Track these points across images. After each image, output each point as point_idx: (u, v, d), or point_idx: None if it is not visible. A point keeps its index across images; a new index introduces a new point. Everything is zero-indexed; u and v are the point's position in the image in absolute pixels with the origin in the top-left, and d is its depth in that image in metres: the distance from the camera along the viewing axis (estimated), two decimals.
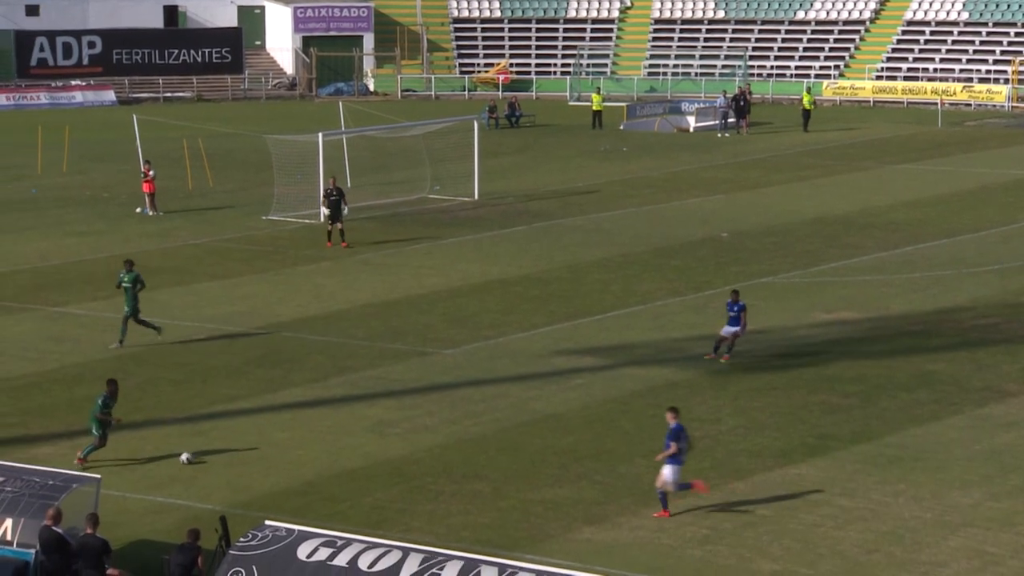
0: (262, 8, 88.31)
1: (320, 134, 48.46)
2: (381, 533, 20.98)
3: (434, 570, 17.51)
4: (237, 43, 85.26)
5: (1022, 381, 29.82)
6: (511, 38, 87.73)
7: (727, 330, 31.54)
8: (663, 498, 23.25)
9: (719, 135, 68.25)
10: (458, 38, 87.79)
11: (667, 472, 23.13)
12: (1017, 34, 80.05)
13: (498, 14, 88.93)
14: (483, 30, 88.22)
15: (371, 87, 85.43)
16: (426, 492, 24.14)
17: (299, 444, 26.53)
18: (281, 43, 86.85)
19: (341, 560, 17.81)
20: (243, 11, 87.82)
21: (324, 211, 44.45)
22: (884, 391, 29.36)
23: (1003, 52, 79.30)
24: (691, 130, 71.09)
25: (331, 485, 24.52)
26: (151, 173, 49.25)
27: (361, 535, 18.87)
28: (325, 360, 31.90)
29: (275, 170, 50.91)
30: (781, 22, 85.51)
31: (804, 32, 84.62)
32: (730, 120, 69.16)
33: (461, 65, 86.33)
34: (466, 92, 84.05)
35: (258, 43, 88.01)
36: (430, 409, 28.42)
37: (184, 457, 25.54)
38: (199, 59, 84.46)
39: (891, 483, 24.36)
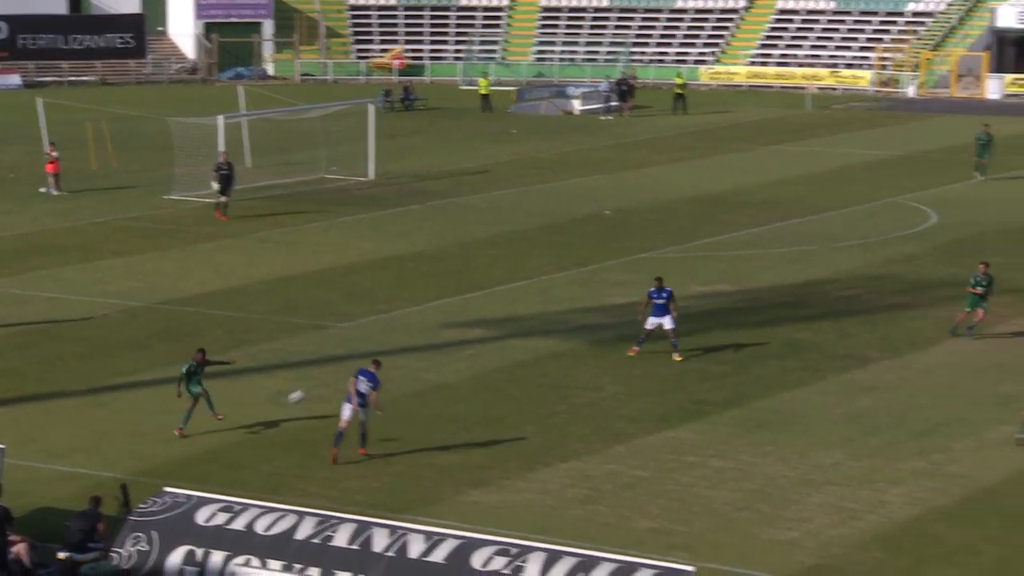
0: None
1: (221, 117, 47.97)
2: (279, 498, 20.89)
3: (327, 532, 17.49)
4: (140, 29, 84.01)
5: (882, 348, 30.39)
6: (406, 25, 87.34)
7: (652, 321, 29.03)
8: None
9: (602, 118, 68.53)
10: (355, 24, 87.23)
11: None
12: (881, 22, 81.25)
13: (393, 1, 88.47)
14: (379, 17, 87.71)
15: (270, 72, 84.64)
16: (322, 459, 24.06)
17: (200, 414, 26.28)
18: (183, 29, 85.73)
19: (238, 524, 17.73)
20: None
21: (215, 184, 44.20)
22: (756, 359, 29.74)
23: (867, 39, 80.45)
24: (576, 113, 71.30)
25: (231, 453, 24.36)
26: (55, 154, 48.46)
27: (259, 500, 18.79)
28: (225, 334, 31.63)
29: (176, 151, 50.29)
30: (661, 10, 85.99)
31: (683, 20, 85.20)
32: (613, 104, 69.46)
33: (358, 51, 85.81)
34: (362, 77, 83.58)
35: (160, 29, 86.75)
36: (326, 380, 28.30)
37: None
38: (103, 44, 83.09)
39: (760, 445, 24.72)
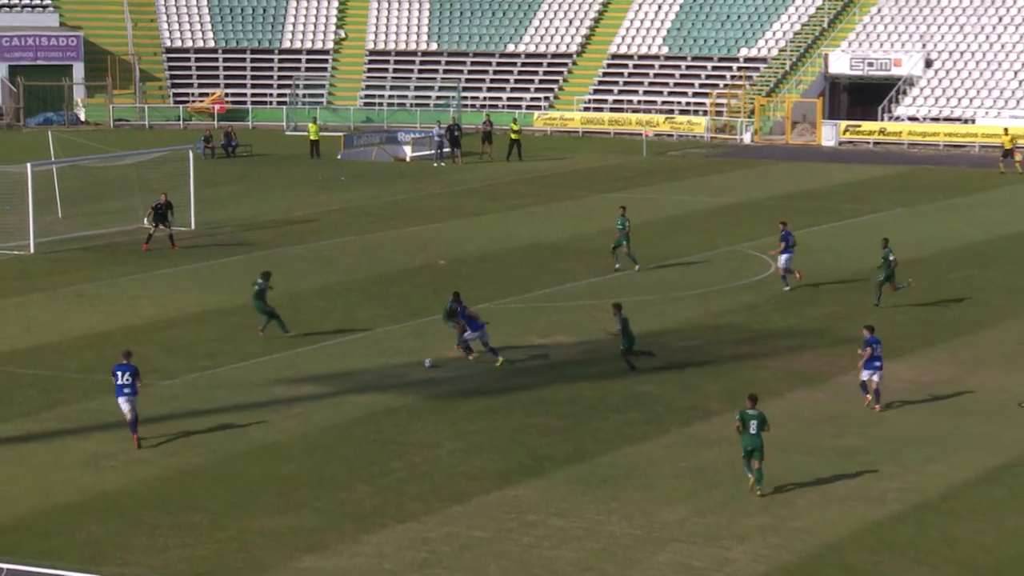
0: None
1: (29, 164, 46.93)
2: (96, 568, 20.33)
3: None
4: None
5: (724, 400, 30.81)
6: (226, 68, 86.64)
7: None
8: None
9: (435, 164, 68.74)
10: (171, 67, 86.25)
11: None
12: (714, 67, 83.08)
13: (212, 43, 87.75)
14: (197, 59, 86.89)
15: (82, 117, 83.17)
16: (143, 525, 23.50)
17: (8, 480, 25.50)
18: None
19: None
20: None
21: (147, 221, 46.78)
22: (597, 412, 29.93)
23: (701, 85, 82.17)
24: (408, 159, 71.41)
25: (43, 521, 23.66)
26: None
27: (74, 572, 18.24)
28: (36, 393, 30.80)
29: None
30: (492, 55, 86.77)
31: (515, 64, 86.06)
32: (445, 150, 69.73)
33: (175, 95, 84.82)
34: (181, 122, 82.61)
35: None
36: (146, 441, 27.69)
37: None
38: None
39: (604, 502, 24.83)
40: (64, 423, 28.75)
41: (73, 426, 28.61)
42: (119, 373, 27.57)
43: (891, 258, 38.60)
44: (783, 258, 40.63)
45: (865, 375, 30.07)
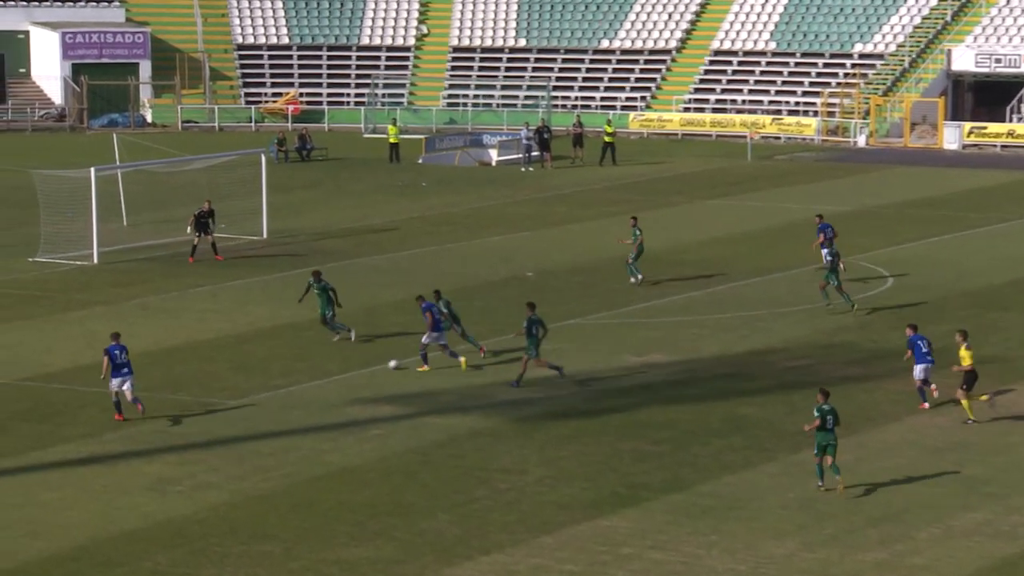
0: (26, 33, 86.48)
1: (92, 169, 47.62)
2: None
3: None
4: None
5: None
6: (300, 66, 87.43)
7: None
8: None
9: (523, 169, 68.91)
10: (243, 66, 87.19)
11: None
12: (826, 64, 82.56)
13: (286, 40, 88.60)
14: (270, 57, 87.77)
15: (148, 118, 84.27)
16: (211, 555, 23.76)
17: (70, 505, 25.89)
18: (48, 71, 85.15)
19: None
20: (5, 36, 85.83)
21: (189, 230, 46.98)
22: (696, 437, 29.84)
23: (812, 83, 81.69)
24: (493, 163, 71.65)
25: (106, 549, 23.99)
26: None
27: None
28: (99, 413, 31.24)
29: (42, 208, 49.81)
30: (585, 51, 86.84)
31: (609, 61, 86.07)
32: (534, 153, 69.89)
33: (247, 95, 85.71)
34: (252, 123, 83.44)
35: (22, 71, 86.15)
36: (215, 464, 28.01)
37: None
38: None
39: (704, 534, 24.74)
40: (128, 445, 29.13)
41: (138, 448, 28.98)
42: (117, 352, 30.58)
43: (834, 255, 40.35)
44: (826, 252, 41.82)
45: (917, 373, 31.47)
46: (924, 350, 31.39)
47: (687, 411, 31.49)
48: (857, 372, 34.54)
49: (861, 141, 76.91)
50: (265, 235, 50.94)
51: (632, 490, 26.84)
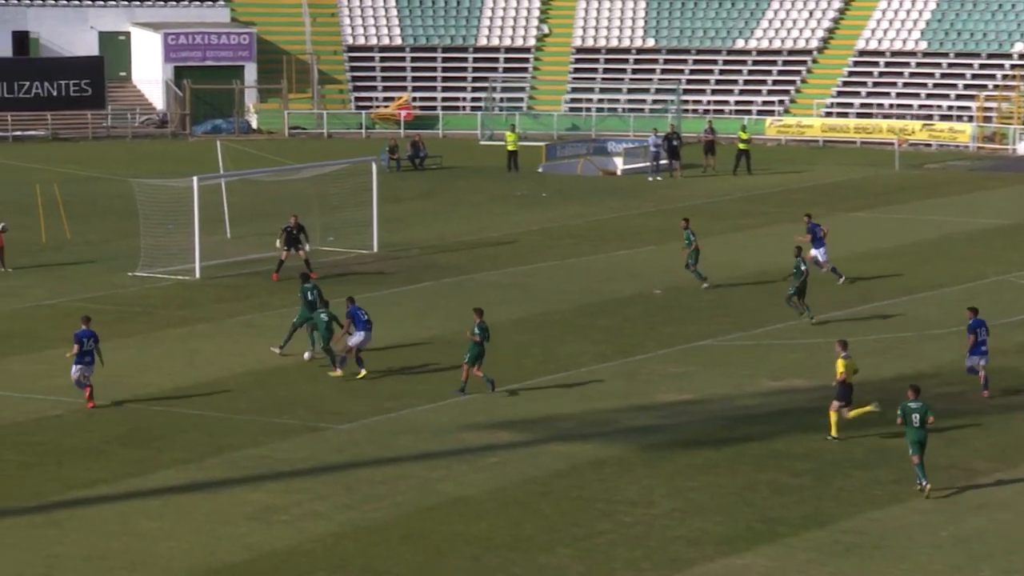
0: (127, 34, 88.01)
1: (195, 178, 48.28)
2: None
3: None
4: (98, 74, 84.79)
5: (992, 458, 30.19)
6: (414, 68, 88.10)
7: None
8: None
9: (650, 178, 68.84)
10: (353, 68, 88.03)
11: None
12: (982, 65, 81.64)
13: (399, 41, 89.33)
14: (382, 59, 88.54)
15: (254, 124, 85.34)
16: None
17: (170, 535, 26.24)
18: (150, 74, 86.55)
19: None
20: (105, 38, 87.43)
21: (279, 244, 46.98)
22: (839, 469, 29.60)
23: (966, 86, 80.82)
24: (618, 173, 71.66)
25: None
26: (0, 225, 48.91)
27: None
28: (201, 437, 31.63)
29: (142, 219, 50.61)
30: (719, 51, 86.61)
31: (744, 63, 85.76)
32: (662, 162, 69.80)
33: (357, 99, 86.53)
34: (363, 130, 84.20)
35: (123, 74, 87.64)
36: (322, 493, 28.24)
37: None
38: (54, 92, 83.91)
39: (847, 574, 24.53)
40: (231, 471, 29.45)
41: (241, 475, 29.29)
42: (84, 340, 32.58)
43: (803, 268, 40.75)
44: (819, 252, 43.83)
45: (970, 361, 32.75)
46: (982, 338, 33.30)
47: (829, 441, 31.23)
48: (1018, 401, 34.05)
49: (1021, 149, 75.93)
50: (376, 248, 51.34)
51: (769, 525, 26.68)
